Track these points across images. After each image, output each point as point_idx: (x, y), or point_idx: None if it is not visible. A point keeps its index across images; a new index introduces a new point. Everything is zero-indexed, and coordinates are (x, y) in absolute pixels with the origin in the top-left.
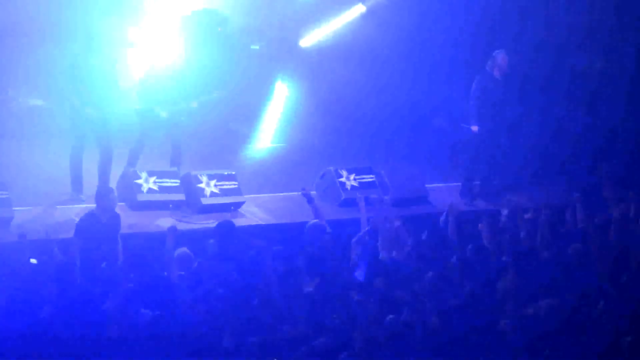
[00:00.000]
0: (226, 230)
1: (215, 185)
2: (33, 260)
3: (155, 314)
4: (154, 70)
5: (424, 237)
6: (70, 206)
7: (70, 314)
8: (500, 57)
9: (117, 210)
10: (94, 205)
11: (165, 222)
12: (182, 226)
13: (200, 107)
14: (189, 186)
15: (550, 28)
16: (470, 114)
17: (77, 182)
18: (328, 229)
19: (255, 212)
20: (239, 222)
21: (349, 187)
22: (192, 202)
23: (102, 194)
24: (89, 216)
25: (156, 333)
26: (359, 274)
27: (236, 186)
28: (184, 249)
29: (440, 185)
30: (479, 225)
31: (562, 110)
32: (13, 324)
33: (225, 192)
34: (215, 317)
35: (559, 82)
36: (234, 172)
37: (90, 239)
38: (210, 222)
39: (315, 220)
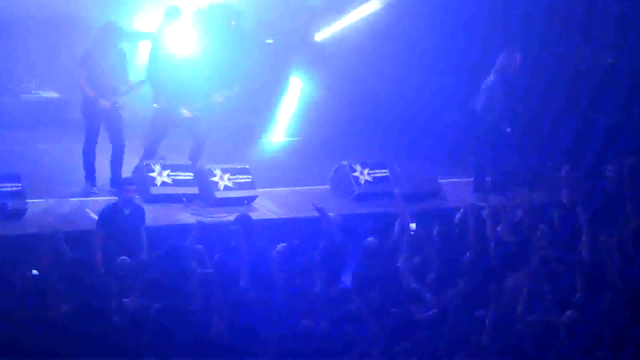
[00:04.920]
0: (244, 224)
1: (229, 179)
2: None
3: (163, 306)
4: (167, 64)
5: (435, 232)
6: (84, 198)
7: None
8: (510, 55)
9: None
10: (107, 197)
11: (179, 215)
12: (195, 219)
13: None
14: (203, 179)
15: (562, 24)
16: (480, 111)
17: (90, 174)
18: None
19: (268, 205)
20: (252, 215)
21: (362, 182)
22: (205, 195)
23: (122, 185)
24: (111, 207)
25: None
26: (346, 280)
27: (250, 180)
28: None
29: (453, 180)
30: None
31: (573, 106)
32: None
33: (238, 186)
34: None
35: (569, 78)
36: (247, 166)
37: (113, 231)
38: (224, 216)
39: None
